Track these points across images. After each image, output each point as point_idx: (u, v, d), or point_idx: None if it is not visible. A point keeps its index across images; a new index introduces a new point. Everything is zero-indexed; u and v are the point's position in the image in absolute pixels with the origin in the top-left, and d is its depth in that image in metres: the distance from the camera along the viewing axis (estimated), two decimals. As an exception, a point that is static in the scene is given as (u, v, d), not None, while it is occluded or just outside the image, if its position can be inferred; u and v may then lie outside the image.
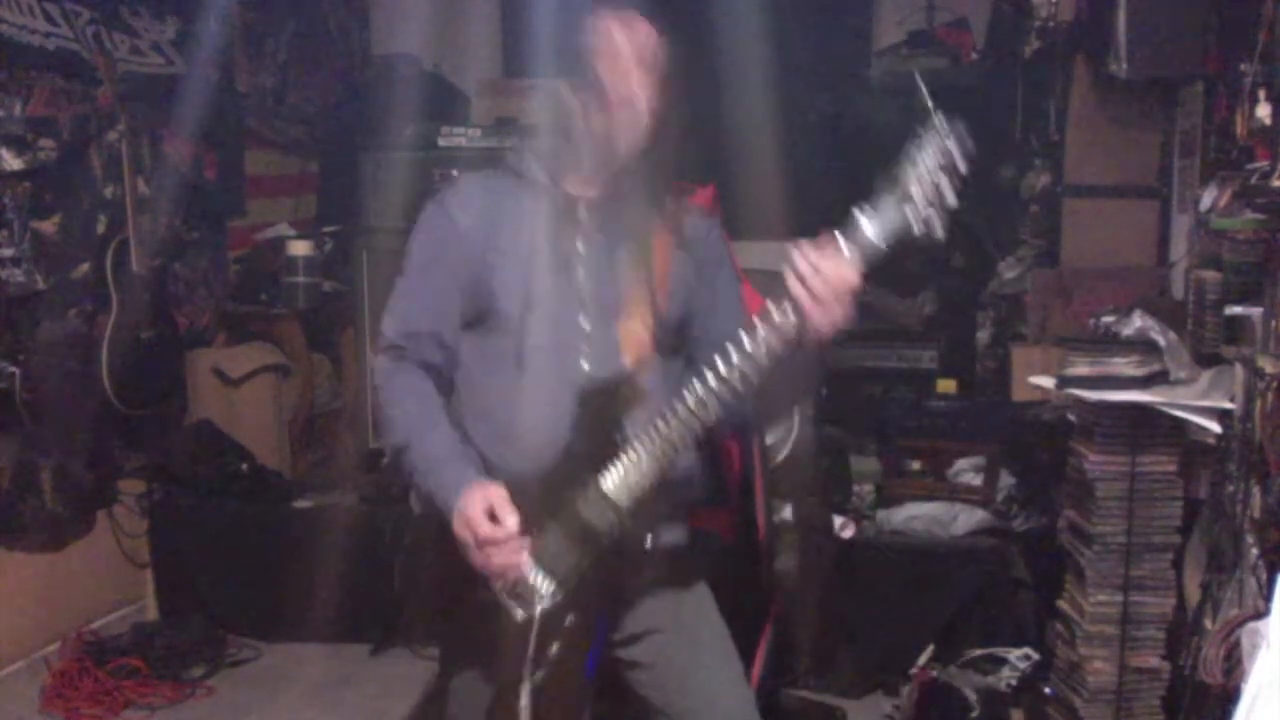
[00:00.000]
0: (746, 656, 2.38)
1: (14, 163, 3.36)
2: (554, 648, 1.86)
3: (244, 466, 4.03)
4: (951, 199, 1.67)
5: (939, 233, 1.68)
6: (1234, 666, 2.12)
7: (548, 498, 1.84)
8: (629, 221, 1.94)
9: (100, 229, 3.67)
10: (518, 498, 1.85)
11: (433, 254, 1.97)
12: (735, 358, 1.72)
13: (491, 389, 1.94)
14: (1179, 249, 3.41)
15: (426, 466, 1.90)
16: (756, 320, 1.72)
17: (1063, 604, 2.80)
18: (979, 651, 3.21)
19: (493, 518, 1.81)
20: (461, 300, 1.95)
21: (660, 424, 1.78)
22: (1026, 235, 4.01)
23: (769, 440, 3.08)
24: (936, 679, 3.14)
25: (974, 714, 2.98)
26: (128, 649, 3.55)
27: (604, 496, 1.81)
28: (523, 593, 1.84)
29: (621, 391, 1.86)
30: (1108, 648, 2.64)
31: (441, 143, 4.09)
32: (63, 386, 3.47)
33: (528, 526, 1.83)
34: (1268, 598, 2.05)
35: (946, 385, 4.07)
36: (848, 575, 3.40)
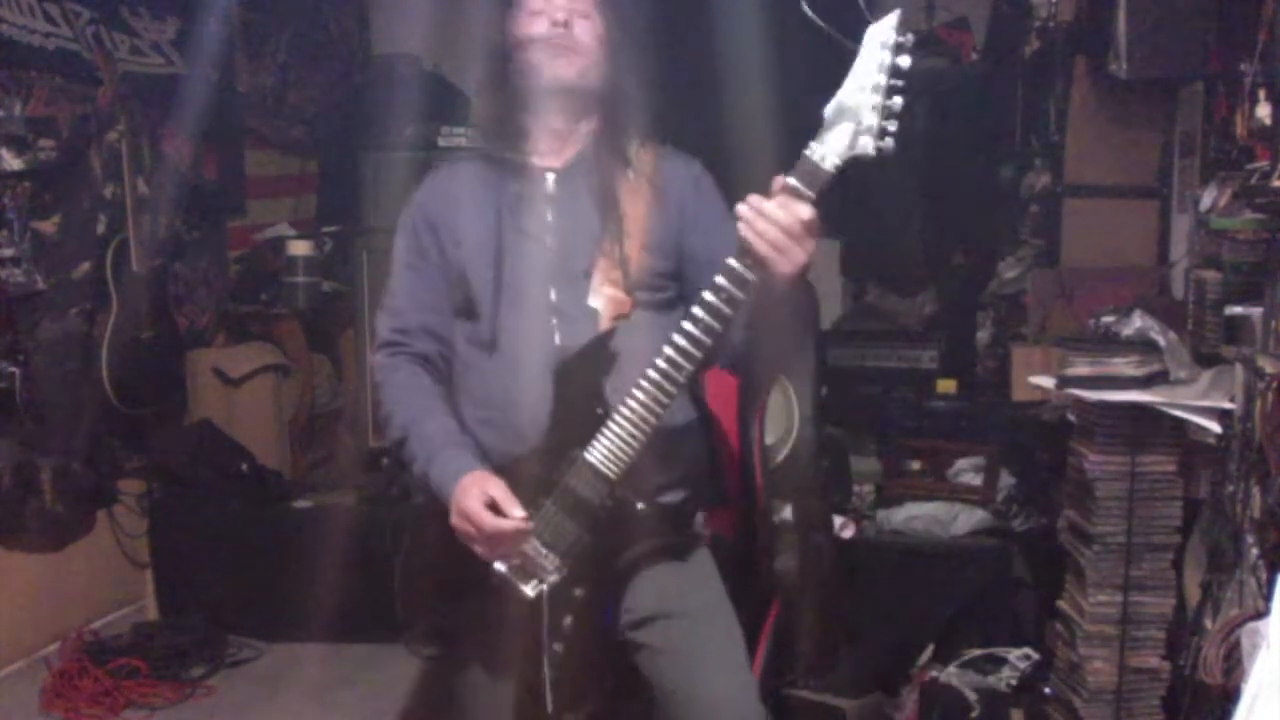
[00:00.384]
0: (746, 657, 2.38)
1: (14, 163, 3.36)
2: (567, 620, 1.88)
3: (244, 466, 4.03)
4: (895, 105, 1.64)
5: (889, 146, 1.65)
6: (1234, 666, 2.12)
7: (541, 476, 1.87)
8: (598, 183, 1.96)
9: (100, 229, 3.68)
10: (513, 479, 1.87)
11: (414, 251, 2.03)
12: (700, 313, 1.74)
13: (476, 374, 1.98)
14: (1179, 249, 3.41)
15: (424, 455, 1.94)
16: (717, 275, 1.73)
17: (1063, 604, 2.80)
18: (979, 651, 3.21)
19: (495, 509, 1.83)
20: (448, 291, 2.00)
21: (637, 391, 1.79)
22: (1026, 235, 4.01)
23: (769, 440, 3.08)
24: (936, 679, 3.14)
25: (974, 714, 2.98)
26: (128, 649, 3.55)
27: (592, 469, 1.83)
28: (530, 570, 1.87)
29: (597, 361, 1.88)
30: (1108, 648, 2.64)
31: (441, 143, 4.09)
32: (63, 386, 3.48)
33: (526, 507, 1.86)
34: (1268, 598, 2.05)
35: (946, 385, 4.07)
36: (848, 575, 3.39)
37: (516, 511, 1.83)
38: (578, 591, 1.89)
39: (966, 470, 3.71)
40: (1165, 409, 2.53)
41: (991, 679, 3.12)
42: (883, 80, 1.64)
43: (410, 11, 4.86)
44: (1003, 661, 3.17)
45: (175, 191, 3.98)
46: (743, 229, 1.69)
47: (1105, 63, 3.16)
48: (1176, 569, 2.65)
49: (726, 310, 1.73)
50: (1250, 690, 1.57)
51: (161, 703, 3.40)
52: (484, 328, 1.96)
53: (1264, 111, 2.50)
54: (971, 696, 3.02)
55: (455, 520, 1.86)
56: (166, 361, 3.84)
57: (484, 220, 1.97)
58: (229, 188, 4.54)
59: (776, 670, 3.06)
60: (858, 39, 1.67)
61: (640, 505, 1.89)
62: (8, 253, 3.36)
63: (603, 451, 1.83)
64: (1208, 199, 2.86)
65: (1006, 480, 3.60)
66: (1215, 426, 2.50)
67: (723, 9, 3.98)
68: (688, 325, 1.75)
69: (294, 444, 4.41)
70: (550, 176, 1.98)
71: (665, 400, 1.79)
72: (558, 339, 1.92)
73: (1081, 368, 2.66)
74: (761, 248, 1.68)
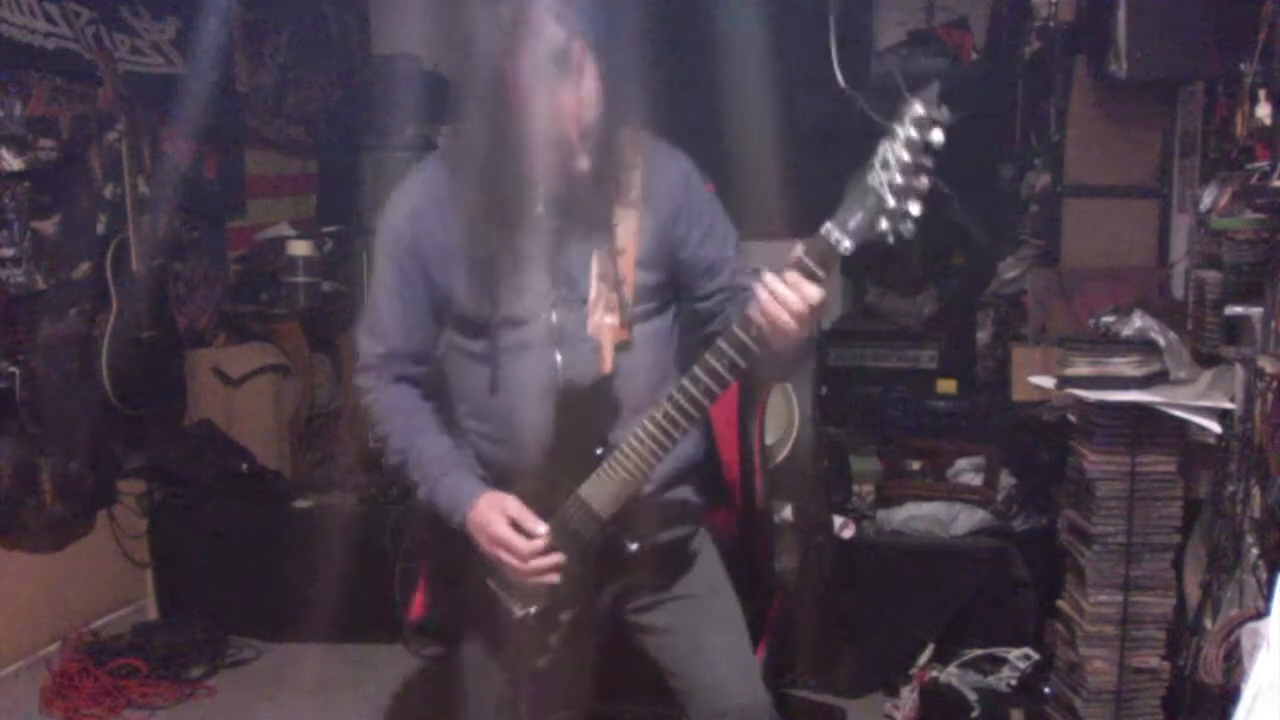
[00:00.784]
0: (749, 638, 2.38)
1: (14, 163, 3.36)
2: (552, 639, 1.90)
3: (244, 466, 4.03)
4: (922, 186, 1.59)
5: (908, 231, 1.61)
6: (1234, 666, 2.12)
7: (536, 501, 1.87)
8: (588, 201, 1.89)
9: (100, 229, 3.67)
10: (519, 495, 1.88)
11: (395, 270, 1.95)
12: (701, 374, 1.73)
13: (477, 390, 1.96)
14: (1179, 249, 3.41)
15: (426, 480, 1.93)
16: (720, 339, 1.72)
17: (1063, 604, 2.80)
18: (979, 651, 3.21)
19: (517, 529, 1.84)
20: (433, 310, 1.97)
21: (634, 441, 1.80)
22: (1026, 235, 4.01)
23: (769, 440, 3.08)
24: (936, 679, 3.14)
25: (974, 714, 2.98)
26: (128, 649, 3.55)
27: (585, 505, 1.85)
28: (518, 591, 1.88)
29: (598, 401, 1.88)
30: (1108, 648, 2.64)
31: (441, 143, 4.09)
32: (63, 386, 3.47)
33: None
34: (1268, 598, 2.05)
35: (946, 385, 4.08)
36: (848, 575, 3.39)
37: (540, 528, 1.84)
38: (564, 616, 1.90)
39: (966, 470, 3.71)
40: (1165, 409, 2.53)
41: (991, 679, 3.12)
42: (909, 159, 1.58)
43: (410, 11, 4.87)
44: (1003, 661, 3.17)
45: (175, 191, 3.98)
46: (752, 309, 1.68)
47: (1105, 63, 3.16)
48: (1176, 569, 2.65)
49: (728, 376, 1.73)
50: (1250, 690, 1.57)
51: (161, 703, 3.40)
52: (482, 346, 1.93)
53: (1264, 111, 2.50)
54: (971, 696, 3.03)
55: (486, 545, 1.86)
56: (166, 361, 3.83)
57: (472, 244, 1.89)
58: (229, 188, 4.54)
59: (776, 670, 3.06)
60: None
61: (633, 546, 1.89)
62: (8, 253, 3.35)
63: (598, 490, 1.84)
64: (1208, 199, 2.86)
65: (1006, 480, 3.60)
66: (1215, 426, 2.50)
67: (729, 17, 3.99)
68: (688, 384, 1.74)
69: (294, 444, 4.40)
70: (540, 198, 1.90)
71: (661, 453, 1.80)
72: (559, 365, 1.90)
73: (1081, 368, 2.66)
74: (769, 328, 1.67)
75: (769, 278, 1.67)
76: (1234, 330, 2.58)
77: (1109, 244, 3.58)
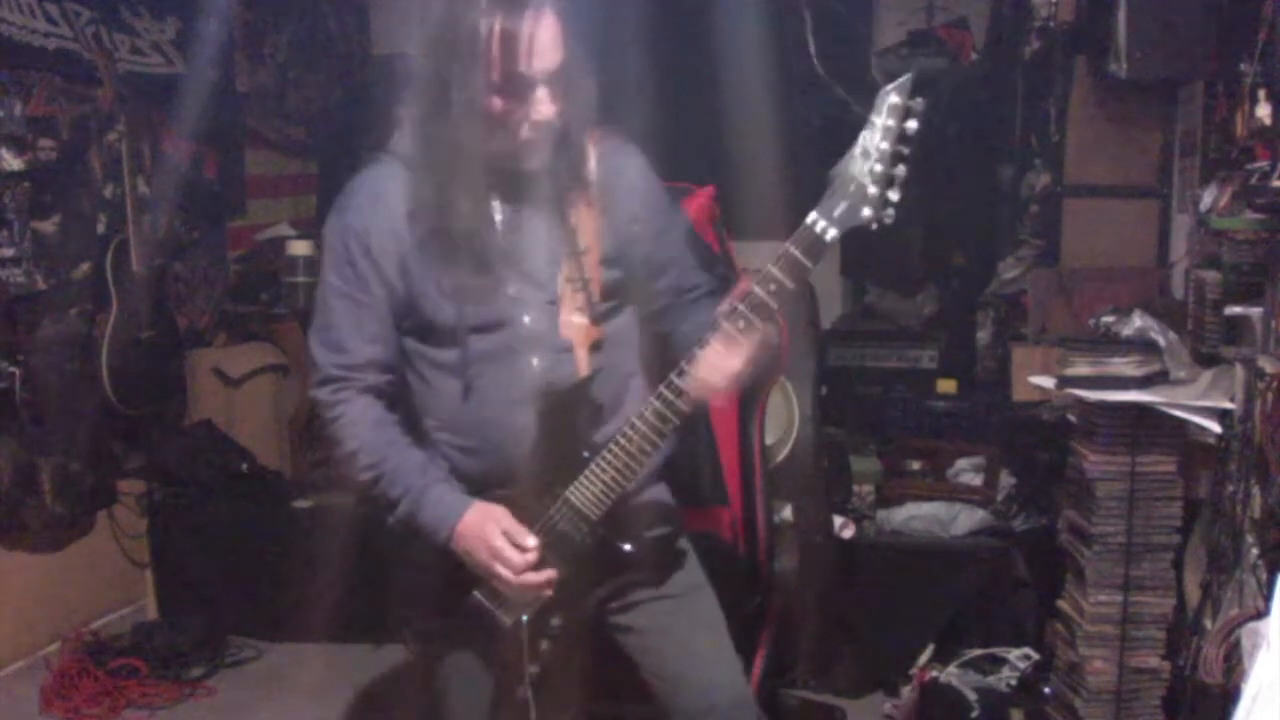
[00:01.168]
0: (746, 656, 2.38)
1: (14, 163, 3.36)
2: (544, 645, 1.89)
3: (244, 466, 4.03)
4: (899, 174, 1.66)
5: (889, 217, 1.67)
6: (1234, 666, 2.12)
7: (522, 508, 1.85)
8: (548, 200, 1.85)
9: (100, 229, 3.68)
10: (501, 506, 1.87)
11: (350, 279, 1.86)
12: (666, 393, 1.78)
13: (448, 400, 1.89)
14: (1179, 249, 3.41)
15: (407, 497, 1.86)
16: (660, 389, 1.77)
17: (1063, 604, 2.80)
18: (979, 651, 3.21)
19: (509, 541, 1.82)
20: (393, 315, 1.88)
21: (622, 440, 1.79)
22: (1026, 235, 4.01)
23: (769, 440, 3.08)
24: (936, 679, 3.14)
25: (974, 714, 2.98)
26: (128, 649, 3.55)
27: (574, 508, 1.83)
28: (507, 600, 1.87)
29: (579, 403, 1.86)
30: (1108, 648, 2.64)
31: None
32: (63, 386, 3.47)
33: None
34: (1268, 598, 2.05)
35: (946, 385, 4.08)
36: (848, 575, 3.39)
37: (531, 540, 1.82)
38: (555, 620, 1.88)
39: (966, 470, 3.71)
40: (1165, 409, 2.53)
41: (991, 679, 3.12)
42: (888, 147, 1.64)
43: (410, 11, 4.87)
44: (1003, 661, 3.17)
45: (175, 191, 3.98)
46: (686, 381, 1.75)
47: (1105, 63, 3.16)
48: (1176, 569, 2.65)
49: (675, 421, 1.78)
50: (1250, 690, 1.57)
51: (161, 703, 3.40)
52: (452, 355, 1.86)
53: (1264, 111, 2.50)
54: (971, 696, 3.02)
55: (484, 559, 1.81)
56: (166, 361, 3.83)
57: (431, 248, 1.82)
58: (229, 188, 4.54)
59: (776, 670, 3.06)
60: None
61: (626, 547, 1.88)
62: (8, 253, 3.36)
63: (586, 492, 1.82)
64: (1208, 199, 2.86)
65: (1006, 480, 3.60)
66: (1215, 426, 2.50)
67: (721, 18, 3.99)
68: (676, 380, 1.76)
69: (294, 444, 4.40)
70: (496, 198, 1.85)
71: (651, 450, 1.80)
72: (537, 370, 1.85)
73: (1081, 368, 2.66)
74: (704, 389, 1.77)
75: (688, 362, 1.74)
76: (1234, 330, 2.58)
77: (1109, 244, 3.58)
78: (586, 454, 1.83)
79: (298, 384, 4.44)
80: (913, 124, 1.64)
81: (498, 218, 1.85)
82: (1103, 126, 3.53)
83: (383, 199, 1.86)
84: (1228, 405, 2.48)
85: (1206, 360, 2.71)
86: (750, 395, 2.74)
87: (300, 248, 4.38)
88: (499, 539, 1.80)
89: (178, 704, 3.41)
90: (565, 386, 1.85)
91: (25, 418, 3.36)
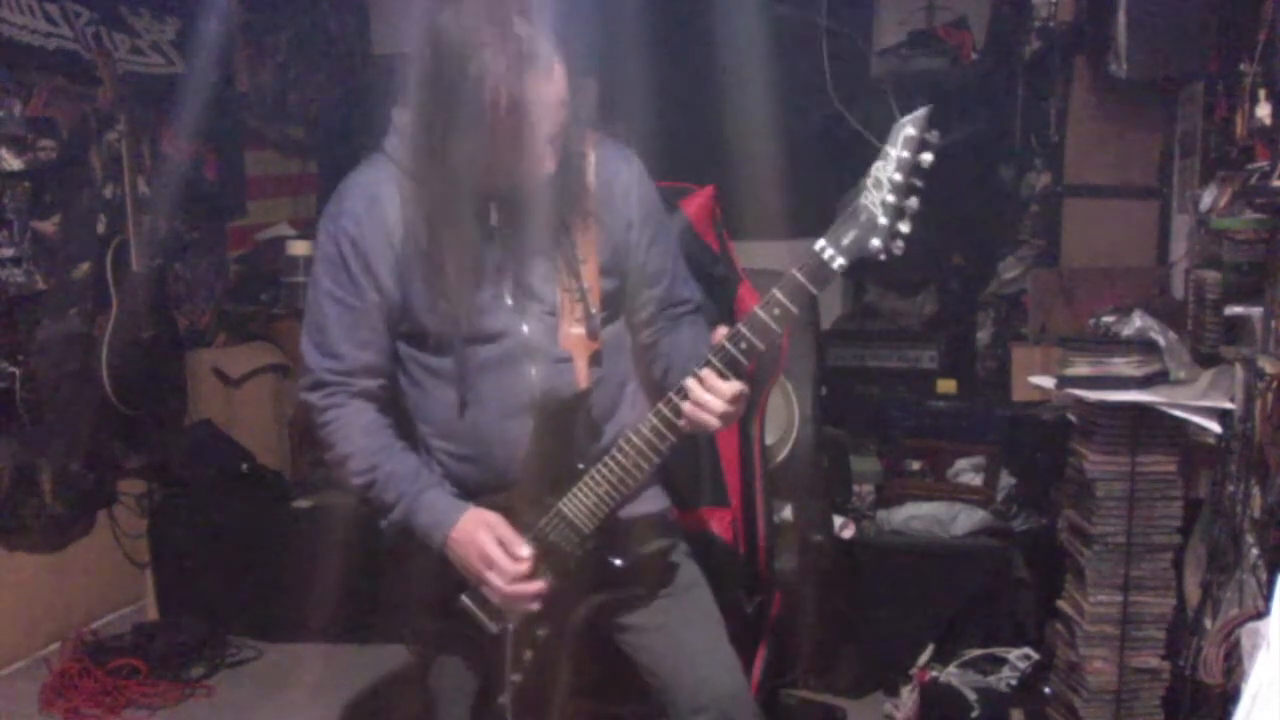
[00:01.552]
0: (746, 657, 2.38)
1: (14, 163, 3.37)
2: (528, 655, 1.88)
3: (244, 466, 4.03)
4: (911, 206, 1.65)
5: (899, 250, 1.67)
6: (1234, 666, 2.12)
7: (515, 516, 1.84)
8: (545, 208, 1.82)
9: (100, 229, 3.68)
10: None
11: (343, 283, 1.83)
12: (664, 410, 1.77)
13: (444, 408, 1.87)
14: (1179, 249, 3.41)
15: (402, 501, 1.85)
16: (659, 405, 1.77)
17: (1063, 604, 2.80)
18: (979, 651, 3.21)
19: (503, 549, 1.81)
20: (386, 320, 1.85)
21: (617, 454, 1.79)
22: (1026, 235, 4.01)
23: (769, 440, 3.08)
24: (936, 679, 3.14)
25: (974, 714, 2.98)
26: (128, 649, 3.55)
27: (567, 520, 1.83)
28: (494, 608, 1.86)
29: (576, 415, 1.85)
30: (1108, 648, 2.64)
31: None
32: (63, 386, 3.48)
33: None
34: (1268, 598, 2.05)
35: (946, 385, 4.08)
36: (848, 575, 3.39)
37: (524, 550, 1.81)
38: (540, 631, 1.88)
39: (966, 470, 3.71)
40: (1165, 409, 2.53)
41: (991, 679, 3.12)
42: (900, 179, 1.63)
43: (410, 11, 4.87)
44: (1003, 661, 3.17)
45: (175, 191, 3.99)
46: (681, 418, 1.75)
47: (1105, 63, 3.16)
48: (1176, 569, 2.65)
49: (672, 440, 1.78)
50: (1250, 690, 1.57)
51: (161, 703, 3.40)
52: (448, 363, 1.84)
53: (1264, 111, 2.50)
54: (971, 696, 3.02)
55: (477, 566, 1.81)
56: (166, 361, 3.83)
57: (427, 254, 1.80)
58: (229, 188, 4.54)
59: (776, 670, 3.06)
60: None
61: (618, 563, 1.88)
62: (8, 253, 3.36)
63: (579, 505, 1.82)
64: (1208, 199, 2.86)
65: (1006, 480, 3.60)
66: (1215, 426, 2.50)
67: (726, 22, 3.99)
68: (676, 398, 1.75)
69: (294, 444, 4.40)
70: (493, 206, 1.82)
71: (646, 466, 1.79)
72: (536, 380, 1.84)
73: (1081, 368, 2.65)
74: (699, 430, 1.76)
75: (690, 383, 1.72)
76: (1234, 330, 2.57)
77: (1109, 244, 3.58)
78: (582, 466, 1.82)
79: (298, 384, 4.44)
80: (927, 157, 1.64)
81: (495, 224, 1.83)
82: (1103, 126, 3.53)
83: (377, 203, 1.83)
84: (1228, 405, 2.48)
85: (1206, 360, 2.71)
86: (750, 395, 2.73)
87: (300, 248, 4.38)
88: (493, 546, 1.80)
89: (178, 704, 3.41)
90: (564, 397, 1.84)
91: (25, 418, 3.36)
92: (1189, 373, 2.67)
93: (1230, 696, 2.06)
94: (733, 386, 1.72)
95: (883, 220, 1.64)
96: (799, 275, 1.68)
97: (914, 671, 3.22)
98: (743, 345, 1.71)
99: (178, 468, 3.95)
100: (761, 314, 1.69)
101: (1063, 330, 3.37)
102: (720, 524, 2.57)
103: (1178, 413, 2.52)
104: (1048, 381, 2.82)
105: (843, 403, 4.03)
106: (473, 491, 1.87)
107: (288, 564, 3.65)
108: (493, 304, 1.83)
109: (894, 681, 3.28)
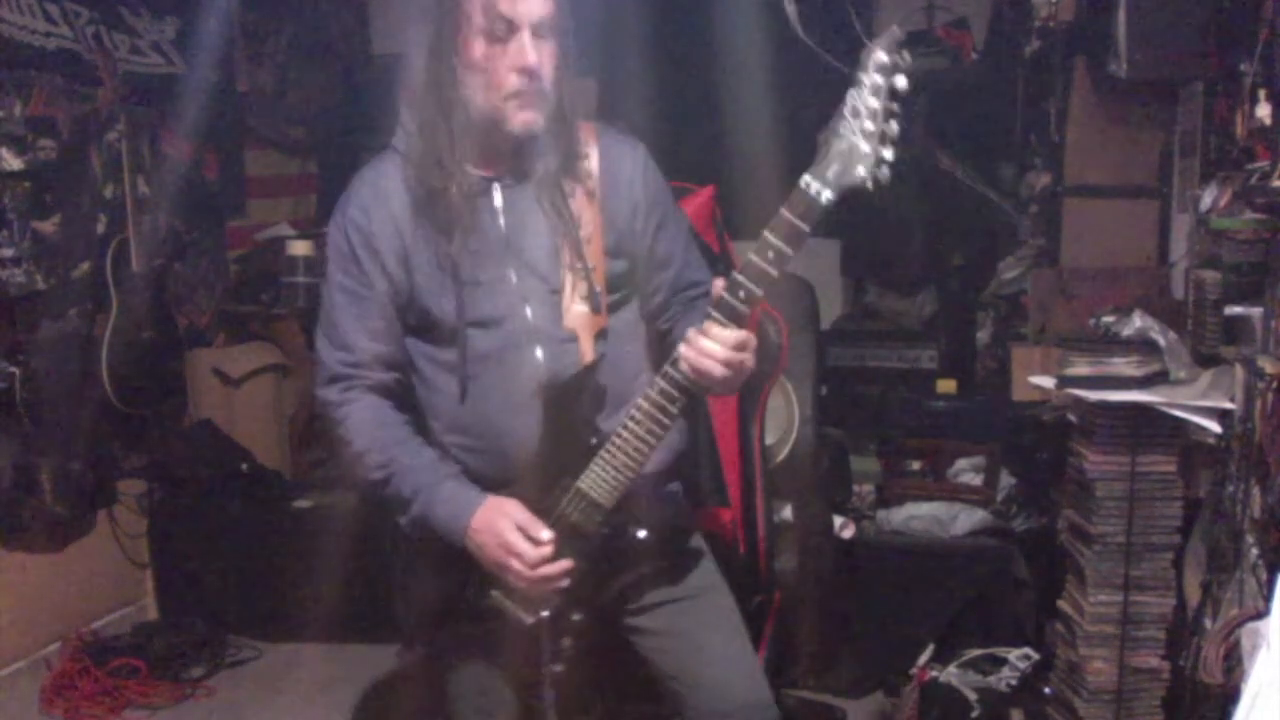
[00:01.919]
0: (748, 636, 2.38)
1: (14, 163, 3.37)
2: (566, 642, 1.87)
3: (244, 466, 4.04)
4: (893, 130, 1.61)
5: (885, 175, 1.61)
6: (1234, 666, 2.12)
7: (534, 503, 1.83)
8: (548, 192, 1.84)
9: (100, 229, 3.67)
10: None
11: (354, 275, 1.86)
12: (659, 383, 1.74)
13: (453, 399, 1.87)
14: (1179, 249, 3.41)
15: (420, 496, 1.84)
16: (665, 368, 1.74)
17: (1063, 604, 2.80)
18: (979, 651, 3.21)
19: (524, 535, 1.80)
20: (397, 311, 1.87)
21: (630, 423, 1.76)
22: (1026, 235, 4.01)
23: (769, 440, 3.08)
24: (936, 679, 3.14)
25: (974, 714, 2.98)
26: (128, 649, 3.55)
27: (586, 497, 1.81)
28: (528, 597, 1.84)
29: (584, 390, 1.83)
30: (1108, 648, 2.64)
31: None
32: (63, 386, 3.47)
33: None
34: (1268, 598, 2.05)
35: (946, 385, 4.08)
36: (848, 575, 3.40)
37: (545, 533, 1.79)
38: (576, 616, 1.86)
39: (966, 470, 3.71)
40: (1165, 409, 2.53)
41: (991, 679, 3.12)
42: (877, 104, 1.59)
43: (410, 11, 4.87)
44: (1003, 661, 3.17)
45: (175, 191, 3.98)
46: (684, 366, 1.70)
47: (1105, 63, 3.16)
48: (1176, 569, 2.65)
49: (680, 399, 1.74)
50: (1250, 690, 1.56)
51: (161, 703, 3.40)
52: (454, 354, 1.85)
53: (1264, 111, 2.50)
54: (971, 696, 3.02)
55: (497, 555, 1.80)
56: (166, 361, 3.83)
57: (432, 240, 1.83)
58: (229, 188, 4.54)
59: (776, 670, 3.06)
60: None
61: (641, 534, 1.86)
62: (8, 253, 3.36)
63: (597, 480, 1.80)
64: (1208, 199, 2.86)
65: (1006, 480, 3.60)
66: (1215, 426, 2.50)
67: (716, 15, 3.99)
68: (670, 369, 1.73)
69: (294, 444, 4.41)
70: (496, 188, 1.84)
71: (660, 431, 1.76)
72: (541, 362, 1.84)
73: (1081, 368, 2.65)
74: (704, 381, 1.70)
75: (691, 335, 1.68)
76: (1234, 330, 2.57)
77: (1109, 244, 3.57)
78: (595, 441, 1.80)
79: (298, 384, 4.44)
80: (901, 80, 1.60)
81: (498, 206, 1.84)
82: (1103, 126, 3.53)
83: (384, 193, 1.86)
84: (1228, 405, 2.48)
85: (1206, 360, 2.71)
86: (750, 395, 2.73)
87: (300, 248, 4.38)
88: (512, 533, 1.79)
89: (178, 704, 3.42)
90: (569, 375, 1.83)
91: (25, 418, 3.36)
92: (1189, 373, 2.67)
93: (1230, 696, 2.05)
94: (735, 333, 1.67)
95: (865, 148, 1.60)
96: (788, 214, 1.64)
97: (914, 671, 3.22)
98: (741, 294, 1.67)
99: (178, 468, 3.95)
100: (756, 259, 1.66)
101: (1063, 330, 3.36)
102: (720, 524, 2.57)
103: (1178, 413, 2.52)
104: (1048, 381, 2.82)
105: (843, 403, 4.04)
106: (491, 483, 1.86)
107: (288, 564, 3.66)
108: (497, 286, 1.83)
109: (894, 681, 3.28)
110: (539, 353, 1.84)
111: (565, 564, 1.81)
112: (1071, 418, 2.83)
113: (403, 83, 1.87)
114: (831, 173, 1.62)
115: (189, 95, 4.01)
